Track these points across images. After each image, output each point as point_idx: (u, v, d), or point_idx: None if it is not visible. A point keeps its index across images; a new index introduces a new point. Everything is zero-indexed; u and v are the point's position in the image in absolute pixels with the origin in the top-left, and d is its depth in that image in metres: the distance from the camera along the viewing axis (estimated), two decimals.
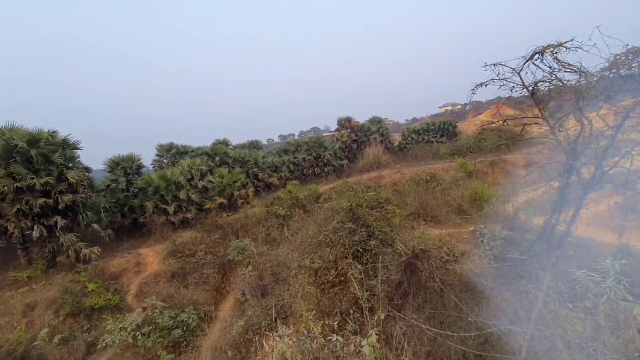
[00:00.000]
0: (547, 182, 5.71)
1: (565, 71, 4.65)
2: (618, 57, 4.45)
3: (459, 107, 67.11)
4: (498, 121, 5.82)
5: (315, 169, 28.76)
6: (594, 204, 7.05)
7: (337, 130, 33.66)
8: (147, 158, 25.48)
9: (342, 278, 8.57)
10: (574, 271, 6.24)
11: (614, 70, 4.57)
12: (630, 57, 4.40)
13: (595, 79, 4.66)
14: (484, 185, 15.55)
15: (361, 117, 39.87)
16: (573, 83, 4.75)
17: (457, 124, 34.71)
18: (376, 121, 33.39)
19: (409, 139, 33.48)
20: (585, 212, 6.11)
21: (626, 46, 4.45)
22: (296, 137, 62.98)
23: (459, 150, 25.39)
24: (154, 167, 24.90)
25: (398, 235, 9.32)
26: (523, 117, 5.63)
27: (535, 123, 5.71)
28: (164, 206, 17.81)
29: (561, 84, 4.76)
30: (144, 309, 10.51)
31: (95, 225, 14.65)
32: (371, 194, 10.75)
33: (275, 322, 6.85)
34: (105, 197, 17.97)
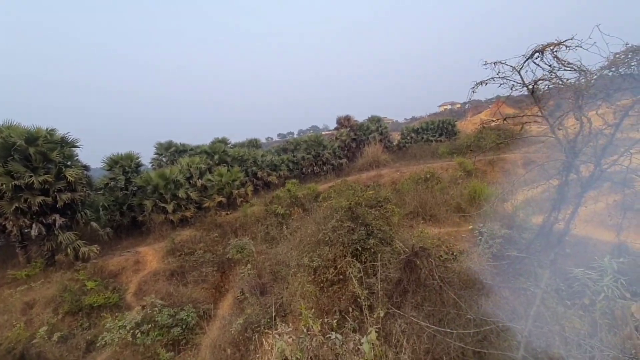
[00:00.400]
0: (546, 181, 5.73)
1: (565, 70, 4.66)
2: (617, 55, 4.46)
3: (458, 106, 67.13)
4: (498, 120, 5.83)
5: (315, 168, 28.76)
6: (593, 202, 7.07)
7: (336, 129, 33.66)
8: (146, 157, 25.48)
9: (341, 276, 8.59)
10: (572, 269, 6.25)
11: (613, 69, 4.57)
12: (629, 56, 4.40)
13: (594, 77, 4.66)
14: (483, 184, 15.58)
15: (360, 116, 39.92)
16: (573, 81, 4.75)
17: (456, 122, 34.78)
18: (375, 120, 33.41)
19: (408, 137, 33.52)
20: (584, 210, 6.12)
21: (626, 45, 4.46)
22: (295, 136, 62.93)
23: (458, 149, 25.45)
24: (152, 165, 24.86)
25: (397, 234, 9.34)
26: (523, 116, 5.65)
27: (535, 122, 5.72)
28: (162, 205, 17.80)
29: (561, 83, 4.77)
30: (143, 307, 10.51)
31: (94, 224, 14.64)
32: (370, 192, 10.75)
33: (275, 320, 6.86)
34: (104, 196, 17.96)
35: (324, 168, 28.95)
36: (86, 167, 15.16)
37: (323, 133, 41.40)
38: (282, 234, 15.32)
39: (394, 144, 33.84)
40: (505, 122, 5.74)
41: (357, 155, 30.59)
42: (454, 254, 7.90)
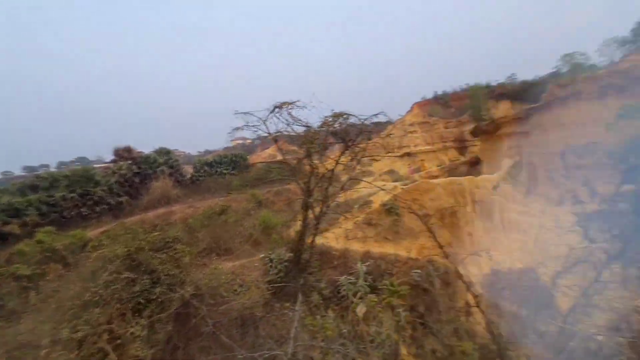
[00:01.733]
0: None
1: (295, 124, 6.16)
2: (326, 118, 6.31)
3: (249, 141, 72.52)
4: (267, 160, 6.79)
5: (82, 210, 23.17)
6: (346, 222, 9.21)
7: (113, 161, 28.82)
8: None
9: (119, 341, 7.30)
10: (339, 278, 7.88)
11: (325, 127, 6.41)
12: (333, 119, 6.30)
13: (315, 132, 6.34)
14: (271, 213, 17.24)
15: (145, 148, 35.71)
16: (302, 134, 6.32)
17: (247, 157, 37.35)
18: (164, 152, 31.04)
19: (202, 171, 33.01)
20: (343, 228, 7.87)
21: (332, 110, 6.40)
22: (53, 169, 49.08)
23: (249, 182, 27.28)
24: None
25: (189, 276, 8.89)
26: (273, 161, 6.84)
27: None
28: None
29: (294, 134, 6.24)
30: None
31: None
32: (155, 234, 9.87)
33: None
34: None
35: (97, 209, 23.82)
36: None
37: (95, 166, 34.65)
38: (28, 303, 11.66)
39: (187, 177, 32.44)
40: (269, 164, 6.83)
41: (142, 191, 27.13)
42: (242, 285, 8.28)
